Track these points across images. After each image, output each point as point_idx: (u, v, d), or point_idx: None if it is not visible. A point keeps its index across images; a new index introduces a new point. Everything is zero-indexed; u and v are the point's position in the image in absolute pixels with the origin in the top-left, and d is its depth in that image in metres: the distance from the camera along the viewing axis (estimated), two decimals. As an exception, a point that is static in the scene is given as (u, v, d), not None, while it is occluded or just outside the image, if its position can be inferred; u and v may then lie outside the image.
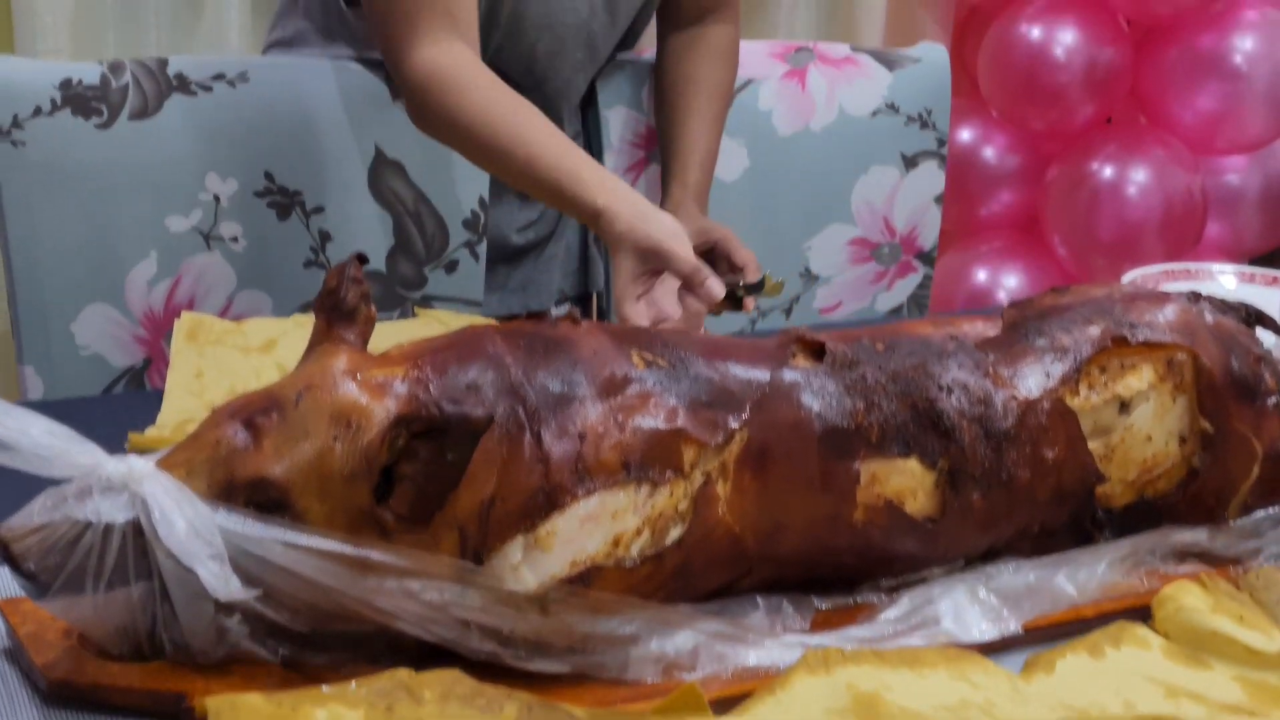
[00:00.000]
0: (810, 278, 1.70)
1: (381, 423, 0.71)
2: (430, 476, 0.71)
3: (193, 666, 0.72)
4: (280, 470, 0.71)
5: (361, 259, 0.78)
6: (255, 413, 0.73)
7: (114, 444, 0.73)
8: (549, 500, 0.74)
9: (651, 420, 0.78)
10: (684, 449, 0.78)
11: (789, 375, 0.83)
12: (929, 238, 1.74)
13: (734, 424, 0.80)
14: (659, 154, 1.54)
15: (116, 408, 1.23)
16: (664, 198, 1.48)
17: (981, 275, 2.47)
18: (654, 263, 1.11)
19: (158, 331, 1.40)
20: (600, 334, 0.81)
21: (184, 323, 1.19)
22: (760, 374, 0.83)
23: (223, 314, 1.42)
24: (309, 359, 0.76)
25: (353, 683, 0.66)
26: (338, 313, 0.77)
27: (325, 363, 0.74)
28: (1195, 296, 0.97)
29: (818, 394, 0.83)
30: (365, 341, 0.77)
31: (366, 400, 0.72)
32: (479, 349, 0.76)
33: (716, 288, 1.08)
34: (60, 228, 1.34)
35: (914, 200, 1.72)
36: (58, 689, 0.71)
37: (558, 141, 1.17)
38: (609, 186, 1.14)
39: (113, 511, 0.69)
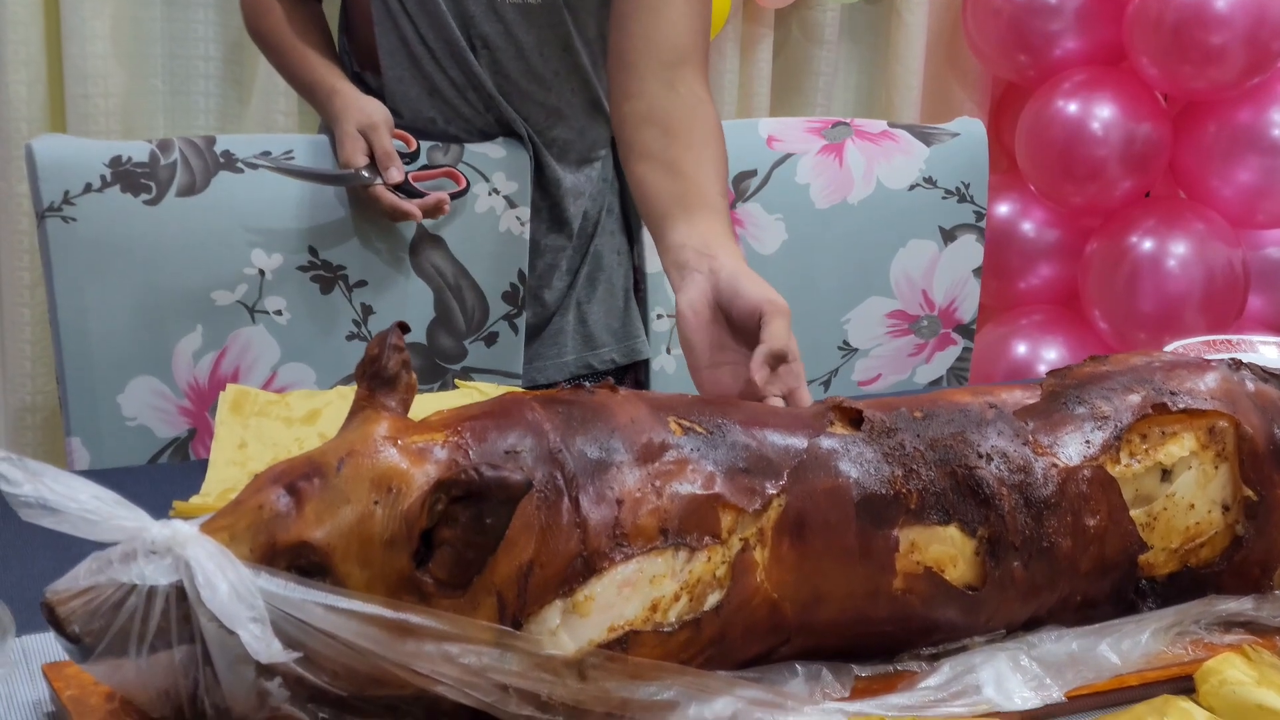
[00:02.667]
0: (849, 350, 1.70)
1: (421, 488, 0.72)
2: (469, 542, 0.71)
3: (233, 731, 0.72)
4: (321, 535, 0.71)
5: (403, 328, 0.80)
6: (298, 478, 0.73)
7: (159, 512, 0.74)
8: (587, 565, 0.74)
9: (689, 486, 0.78)
10: (722, 515, 0.78)
11: (827, 443, 0.83)
12: (968, 311, 1.74)
13: (772, 490, 0.80)
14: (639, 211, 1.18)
15: (161, 477, 1.24)
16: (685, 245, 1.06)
17: (1021, 348, 2.47)
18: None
19: (202, 403, 1.41)
20: (638, 402, 0.81)
21: (229, 395, 1.20)
22: (798, 441, 0.83)
23: (266, 386, 1.44)
24: (351, 425, 0.77)
25: (391, 747, 0.66)
26: (379, 380, 0.78)
27: (367, 429, 0.75)
28: (1236, 364, 0.97)
29: (855, 461, 0.83)
30: (406, 408, 0.78)
31: (407, 465, 0.73)
32: (518, 416, 0.77)
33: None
34: (108, 302, 1.37)
35: (953, 273, 1.72)
36: (99, 753, 0.72)
37: (324, 56, 1.48)
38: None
39: (157, 575, 0.69)
